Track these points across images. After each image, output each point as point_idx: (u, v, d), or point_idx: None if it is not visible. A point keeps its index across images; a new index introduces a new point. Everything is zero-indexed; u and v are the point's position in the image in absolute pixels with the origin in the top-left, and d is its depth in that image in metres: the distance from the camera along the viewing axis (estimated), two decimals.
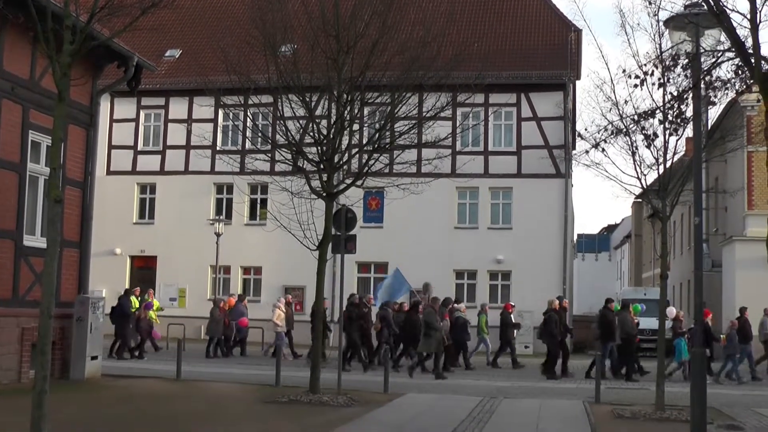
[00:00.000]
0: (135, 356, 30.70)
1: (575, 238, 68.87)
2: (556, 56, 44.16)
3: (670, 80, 17.34)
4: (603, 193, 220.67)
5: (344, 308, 27.20)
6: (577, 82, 44.54)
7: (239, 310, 34.50)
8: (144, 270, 45.90)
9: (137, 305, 32.17)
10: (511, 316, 31.76)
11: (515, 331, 31.97)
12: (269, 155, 23.83)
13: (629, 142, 19.35)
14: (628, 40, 19.66)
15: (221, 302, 34.77)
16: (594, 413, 18.58)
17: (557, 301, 29.40)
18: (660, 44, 18.05)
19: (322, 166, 20.21)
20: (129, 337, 30.68)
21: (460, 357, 30.79)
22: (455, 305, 31.04)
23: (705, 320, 27.55)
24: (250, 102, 22.49)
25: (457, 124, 37.21)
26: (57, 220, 11.54)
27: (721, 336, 29.83)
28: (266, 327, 35.46)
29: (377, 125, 21.73)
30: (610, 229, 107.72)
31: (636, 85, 16.32)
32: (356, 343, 29.16)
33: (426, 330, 26.67)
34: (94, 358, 21.35)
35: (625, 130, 19.32)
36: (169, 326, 36.66)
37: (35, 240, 19.60)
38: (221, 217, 41.93)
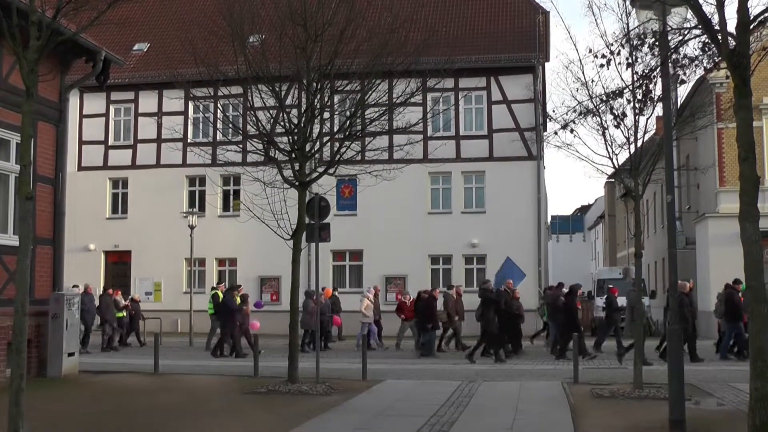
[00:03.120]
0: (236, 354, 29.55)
1: (549, 219, 69.19)
2: (524, 39, 44.26)
3: (638, 59, 17.40)
4: (576, 174, 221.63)
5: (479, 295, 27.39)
6: (546, 64, 44.80)
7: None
8: (118, 265, 45.81)
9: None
10: (617, 299, 31.20)
11: (621, 315, 31.24)
12: (241, 146, 23.81)
13: (599, 122, 19.42)
14: (596, 20, 19.76)
15: (314, 294, 34.13)
16: (573, 394, 18.67)
17: (687, 284, 28.55)
18: (627, 23, 18.14)
19: (293, 156, 20.19)
20: (230, 334, 29.78)
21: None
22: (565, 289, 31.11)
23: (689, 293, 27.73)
24: (219, 93, 22.43)
25: (428, 110, 37.20)
26: (28, 218, 11.47)
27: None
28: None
29: (348, 113, 21.69)
30: (584, 209, 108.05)
31: (602, 65, 16.36)
32: (494, 334, 28.43)
33: (632, 315, 26.13)
34: (71, 354, 21.25)
35: (594, 110, 19.38)
36: (146, 320, 36.54)
37: (8, 238, 19.46)
38: (194, 210, 41.74)
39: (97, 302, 33.05)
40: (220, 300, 31.34)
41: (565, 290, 30.79)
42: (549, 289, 34.11)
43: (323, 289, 35.26)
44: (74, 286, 33.34)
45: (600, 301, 36.31)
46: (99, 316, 32.83)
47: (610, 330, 29.63)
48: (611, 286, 32.71)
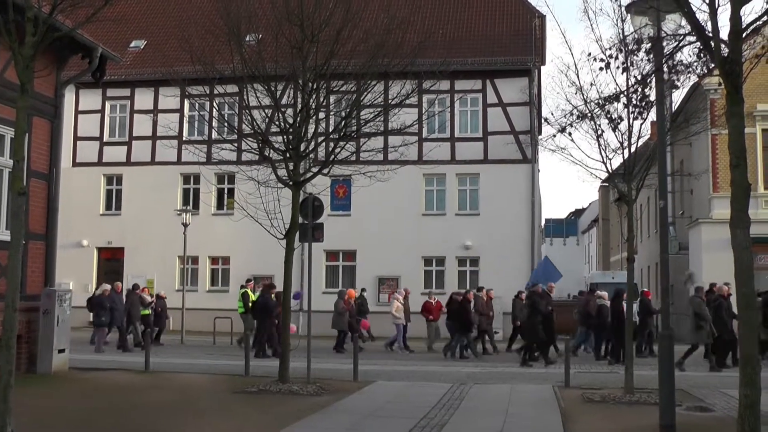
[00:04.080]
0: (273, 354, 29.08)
1: (543, 222, 69.13)
2: (520, 42, 44.29)
3: (633, 64, 17.44)
4: (570, 177, 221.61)
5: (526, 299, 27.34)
6: (542, 67, 44.67)
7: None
8: (111, 261, 45.77)
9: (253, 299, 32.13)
10: (651, 302, 30.94)
11: (655, 317, 31.04)
12: (235, 145, 23.77)
13: (594, 127, 19.45)
14: (591, 25, 19.79)
15: (345, 294, 34.09)
16: (564, 397, 18.70)
17: (726, 287, 28.28)
18: (622, 29, 18.17)
19: (288, 155, 20.21)
20: (266, 334, 29.65)
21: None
22: (598, 293, 30.98)
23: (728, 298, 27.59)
24: (215, 92, 22.43)
25: (423, 111, 37.24)
26: (21, 213, 11.48)
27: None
28: (235, 317, 35.40)
29: (343, 113, 21.70)
30: (578, 213, 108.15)
31: (601, 68, 16.40)
32: (541, 337, 28.25)
33: (697, 321, 25.95)
34: (61, 351, 21.23)
35: (589, 114, 19.40)
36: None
37: (0, 233, 19.47)
38: (188, 208, 41.70)
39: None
40: (251, 299, 31.45)
41: (601, 293, 30.75)
42: (581, 294, 34.01)
43: (345, 289, 35.23)
44: (99, 286, 33.51)
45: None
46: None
47: (645, 333, 29.57)
48: (645, 289, 32.29)
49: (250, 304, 31.48)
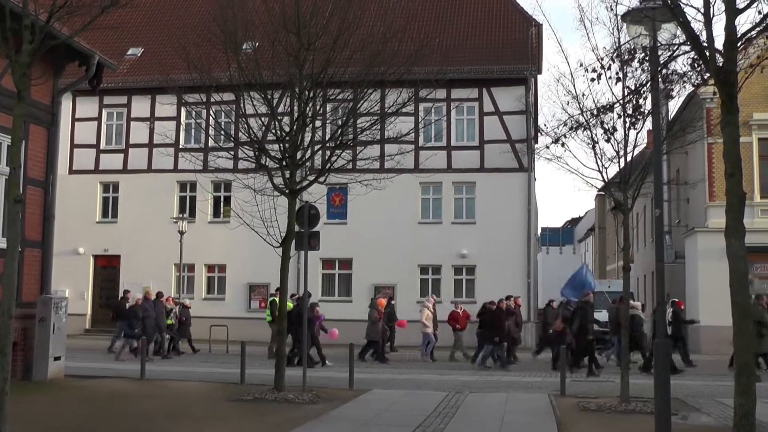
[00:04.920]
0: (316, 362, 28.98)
1: (539, 231, 69.19)
2: (517, 51, 44.29)
3: (629, 74, 17.49)
4: (566, 186, 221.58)
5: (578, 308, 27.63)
6: (539, 76, 44.65)
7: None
8: (108, 269, 45.71)
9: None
10: (683, 312, 30.73)
11: (688, 327, 30.84)
12: (232, 153, 23.83)
13: (590, 136, 19.49)
14: (587, 34, 19.87)
15: (377, 304, 33.66)
16: (560, 406, 18.70)
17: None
18: (618, 38, 18.22)
19: (284, 163, 20.23)
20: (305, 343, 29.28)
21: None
22: (631, 303, 30.83)
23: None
24: (212, 100, 22.46)
25: (420, 120, 37.25)
26: (17, 220, 11.49)
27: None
28: (232, 325, 35.40)
29: (339, 121, 21.73)
30: (574, 222, 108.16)
31: (593, 79, 16.46)
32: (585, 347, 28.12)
33: (759, 329, 25.87)
34: (57, 358, 21.21)
35: (585, 123, 19.44)
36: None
37: None
38: (185, 215, 41.73)
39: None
40: (278, 307, 31.46)
41: (634, 303, 30.64)
42: (614, 303, 33.90)
43: (375, 298, 35.08)
44: (126, 291, 33.38)
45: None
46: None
47: (678, 343, 29.48)
48: (675, 299, 32.07)
49: (275, 313, 31.33)
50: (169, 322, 33.15)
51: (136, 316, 30.50)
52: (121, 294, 36.58)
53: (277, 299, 31.62)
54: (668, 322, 28.54)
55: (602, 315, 31.24)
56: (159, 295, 33.08)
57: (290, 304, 31.85)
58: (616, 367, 29.29)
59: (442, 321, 34.06)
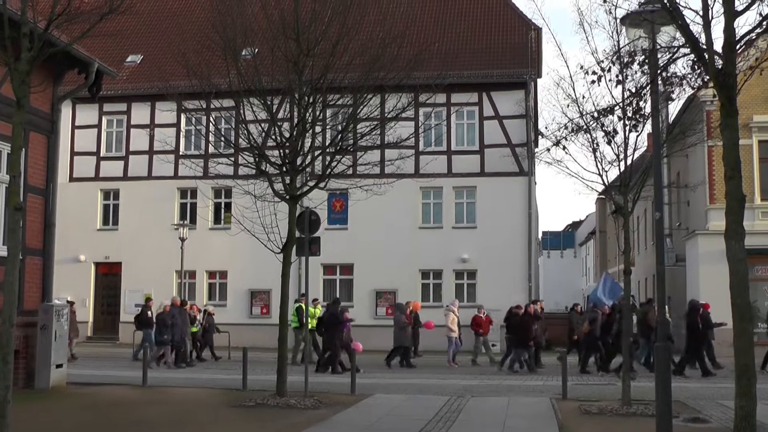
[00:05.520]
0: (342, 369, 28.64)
1: (540, 235, 69.18)
2: (516, 55, 44.33)
3: (628, 77, 17.50)
4: (567, 190, 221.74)
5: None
6: (538, 80, 44.69)
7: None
8: (109, 276, 45.70)
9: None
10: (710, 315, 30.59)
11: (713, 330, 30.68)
12: (232, 159, 23.80)
13: (590, 139, 19.48)
14: (587, 37, 19.90)
15: (405, 309, 33.49)
16: (561, 410, 18.68)
17: None
18: (618, 41, 18.21)
19: (284, 169, 20.24)
20: (339, 348, 29.01)
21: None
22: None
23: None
24: (212, 106, 22.46)
25: (420, 124, 37.27)
26: (17, 228, 11.49)
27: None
28: (233, 331, 35.41)
29: (339, 127, 21.75)
30: (575, 225, 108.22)
31: (593, 82, 16.46)
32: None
33: None
34: (59, 366, 21.21)
35: (585, 126, 19.44)
36: (135, 332, 36.46)
37: None
38: (185, 222, 41.74)
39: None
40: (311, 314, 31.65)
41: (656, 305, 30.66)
42: (641, 305, 33.86)
43: (407, 302, 34.99)
44: (148, 299, 33.36)
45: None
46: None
47: (704, 346, 29.34)
48: (704, 302, 31.97)
49: (301, 320, 31.61)
50: (193, 329, 33.17)
51: (165, 324, 30.42)
52: (142, 302, 36.48)
53: (302, 305, 31.82)
54: (698, 326, 28.49)
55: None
56: (183, 303, 33.11)
57: (317, 310, 32.11)
58: (642, 368, 29.39)
59: (465, 325, 34.01)
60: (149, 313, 33.03)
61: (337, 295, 39.02)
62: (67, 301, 33.09)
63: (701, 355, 28.36)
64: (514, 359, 30.15)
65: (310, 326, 32.59)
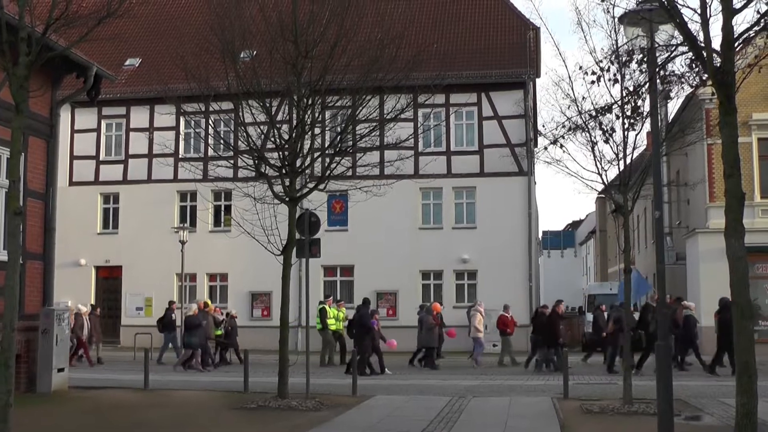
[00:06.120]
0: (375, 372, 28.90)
1: (540, 235, 69.10)
2: (515, 55, 44.30)
3: (627, 75, 17.49)
4: (567, 189, 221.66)
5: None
6: (537, 79, 44.68)
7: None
8: (109, 280, 45.68)
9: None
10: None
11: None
12: (231, 162, 23.82)
13: (588, 138, 19.47)
14: (585, 37, 19.88)
15: (432, 310, 33.36)
16: (563, 409, 18.69)
17: None
18: (616, 40, 18.22)
19: (284, 171, 20.24)
20: (368, 351, 28.72)
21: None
22: (685, 303, 30.70)
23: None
24: (210, 109, 22.46)
25: (419, 125, 37.24)
26: (17, 233, 11.49)
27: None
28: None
29: (338, 128, 21.75)
30: (575, 225, 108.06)
31: (593, 82, 16.47)
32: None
33: None
34: (60, 370, 21.21)
35: (583, 125, 19.43)
36: (136, 335, 36.50)
37: None
38: (185, 225, 41.67)
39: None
40: (329, 315, 31.67)
41: (688, 303, 30.54)
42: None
43: (429, 304, 34.92)
44: (171, 302, 33.42)
45: (590, 317, 36.28)
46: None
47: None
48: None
49: (324, 321, 31.98)
50: (217, 332, 33.22)
51: (194, 326, 30.35)
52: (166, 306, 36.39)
53: (327, 306, 31.83)
54: (731, 323, 28.36)
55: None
56: (205, 305, 33.14)
57: (342, 312, 32.30)
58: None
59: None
60: (173, 315, 33.06)
61: (338, 297, 39.10)
62: (91, 306, 33.35)
63: (729, 352, 28.21)
64: (541, 360, 30.12)
65: (336, 328, 32.82)
